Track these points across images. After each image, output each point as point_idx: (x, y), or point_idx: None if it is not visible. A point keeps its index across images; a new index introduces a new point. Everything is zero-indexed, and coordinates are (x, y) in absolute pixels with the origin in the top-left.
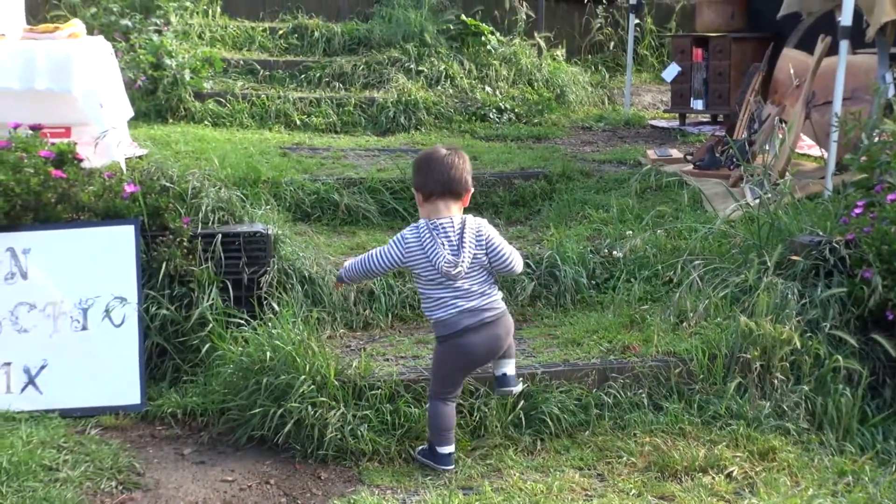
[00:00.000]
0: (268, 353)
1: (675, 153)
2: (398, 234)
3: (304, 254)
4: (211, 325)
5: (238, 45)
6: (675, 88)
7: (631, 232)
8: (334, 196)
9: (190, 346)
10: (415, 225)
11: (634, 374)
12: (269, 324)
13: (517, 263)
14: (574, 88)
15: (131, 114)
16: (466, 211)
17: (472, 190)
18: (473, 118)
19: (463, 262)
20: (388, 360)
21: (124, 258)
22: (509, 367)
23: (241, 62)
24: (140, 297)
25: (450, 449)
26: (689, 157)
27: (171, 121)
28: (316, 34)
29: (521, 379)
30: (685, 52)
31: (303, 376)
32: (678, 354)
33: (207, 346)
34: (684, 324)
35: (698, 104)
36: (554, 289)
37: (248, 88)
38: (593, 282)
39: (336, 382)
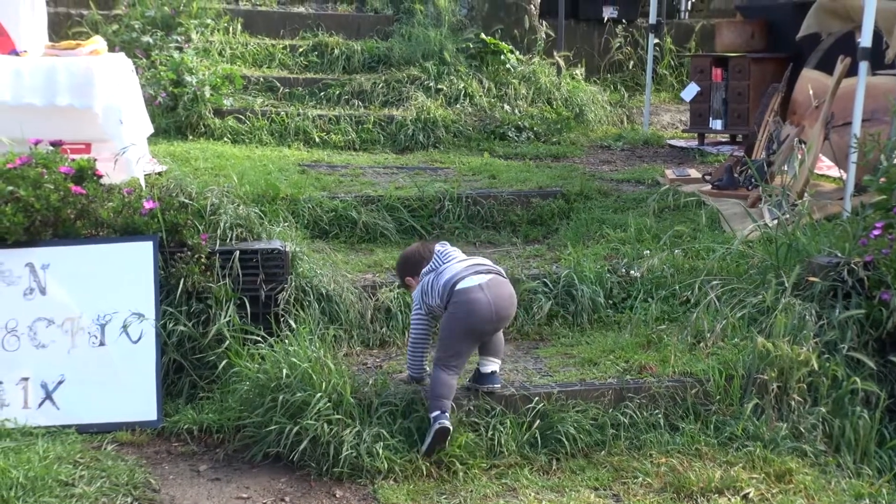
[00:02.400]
0: (284, 371)
1: (693, 173)
2: (414, 306)
3: (321, 271)
4: (228, 342)
5: (258, 63)
6: (694, 108)
7: (648, 251)
8: (352, 213)
9: (207, 363)
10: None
11: (651, 394)
12: (286, 341)
13: None
14: (593, 107)
15: (151, 130)
16: (485, 229)
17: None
18: (492, 136)
19: (447, 245)
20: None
21: (142, 274)
22: (497, 367)
23: (261, 79)
24: (157, 314)
25: (440, 412)
26: (707, 177)
27: (190, 137)
28: (336, 52)
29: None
30: (704, 72)
31: (319, 394)
32: (695, 375)
33: (224, 362)
34: (701, 344)
35: (717, 124)
36: (571, 308)
37: (267, 105)
38: (610, 301)
39: (352, 400)
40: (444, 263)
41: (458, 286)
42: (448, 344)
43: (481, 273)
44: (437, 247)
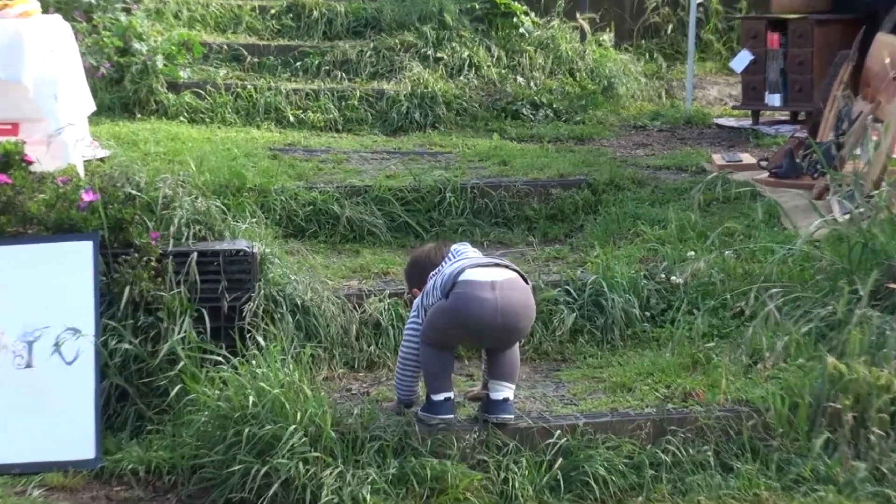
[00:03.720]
0: (251, 398)
1: (746, 158)
2: (412, 315)
3: (296, 277)
4: (182, 363)
5: (221, 27)
6: (746, 80)
7: (693, 253)
8: (334, 207)
9: (156, 389)
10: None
11: (698, 426)
12: (253, 362)
13: None
14: (624, 80)
15: (93, 108)
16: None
17: None
18: (503, 115)
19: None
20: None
21: (80, 281)
22: (511, 394)
23: (225, 47)
24: (97, 329)
25: (445, 394)
26: (763, 164)
27: (139, 116)
28: (315, 14)
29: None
30: (758, 38)
31: (293, 426)
32: (751, 403)
33: (178, 388)
34: (759, 365)
35: (774, 99)
36: (599, 321)
37: (232, 78)
38: (647, 313)
39: (333, 434)
40: (455, 260)
41: (464, 276)
42: (435, 329)
43: (500, 267)
44: (456, 246)
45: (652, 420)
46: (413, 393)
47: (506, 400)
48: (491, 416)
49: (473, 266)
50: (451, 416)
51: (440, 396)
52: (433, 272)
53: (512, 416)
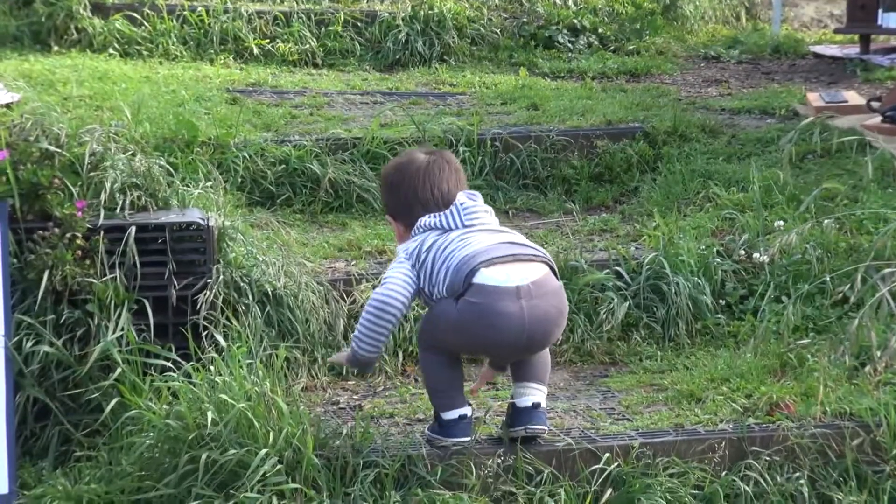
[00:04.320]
0: (209, 415)
1: (852, 98)
2: (398, 260)
3: (265, 258)
4: (119, 370)
5: None
6: None
7: (782, 222)
8: (313, 167)
9: (86, 403)
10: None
11: (787, 447)
12: (212, 367)
13: None
14: None
15: None
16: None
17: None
18: (532, 44)
19: (478, 198)
20: (396, 423)
21: None
22: (542, 397)
23: None
24: (8, 327)
25: (459, 411)
26: (874, 105)
27: (56, 48)
28: None
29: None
30: None
31: (264, 450)
32: (857, 417)
33: (114, 402)
34: (867, 368)
35: (891, 19)
36: (659, 312)
37: None
38: (722, 301)
39: (316, 460)
40: (463, 229)
41: (479, 279)
42: (439, 339)
43: (522, 262)
44: (462, 197)
45: (728, 439)
46: (377, 351)
47: (536, 406)
48: (518, 429)
49: (490, 261)
50: (468, 438)
51: (452, 414)
52: (430, 222)
53: (545, 428)
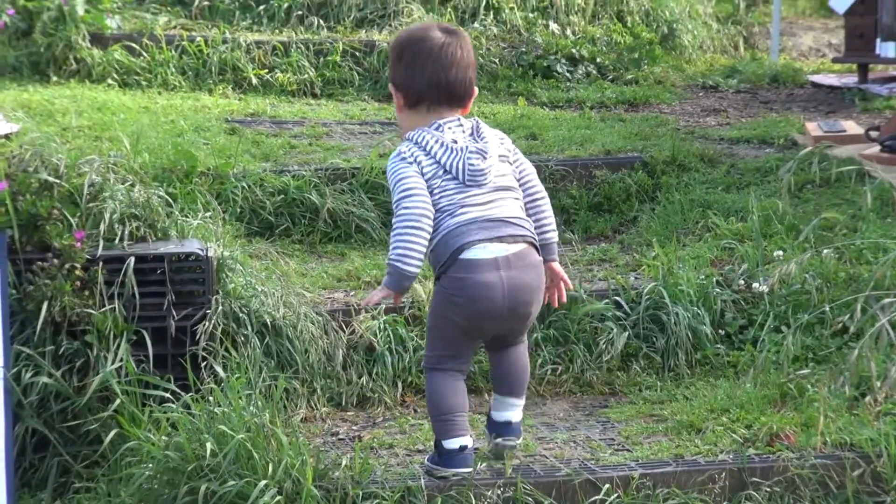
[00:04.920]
0: (208, 446)
1: (850, 127)
2: (392, 156)
3: (264, 288)
4: (118, 401)
5: None
6: (850, 24)
7: (781, 252)
8: (312, 197)
9: (85, 435)
10: (406, 138)
11: (788, 478)
12: (211, 398)
13: (549, 203)
14: (690, 25)
15: None
16: None
17: (477, 92)
18: (531, 73)
19: (488, 152)
20: (396, 454)
21: None
22: (516, 414)
23: None
24: (7, 358)
25: (460, 441)
26: (873, 134)
27: (55, 79)
28: None
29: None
30: None
31: (263, 481)
32: (858, 447)
33: (113, 433)
34: (868, 399)
35: (888, 49)
36: (658, 343)
37: (175, 28)
38: (721, 331)
39: (316, 491)
40: (462, 187)
41: (466, 254)
42: (439, 341)
43: (504, 241)
44: (468, 123)
45: (728, 470)
46: (418, 263)
47: (508, 423)
48: (494, 443)
49: (475, 242)
50: (469, 469)
51: (453, 443)
52: (430, 145)
53: (517, 440)
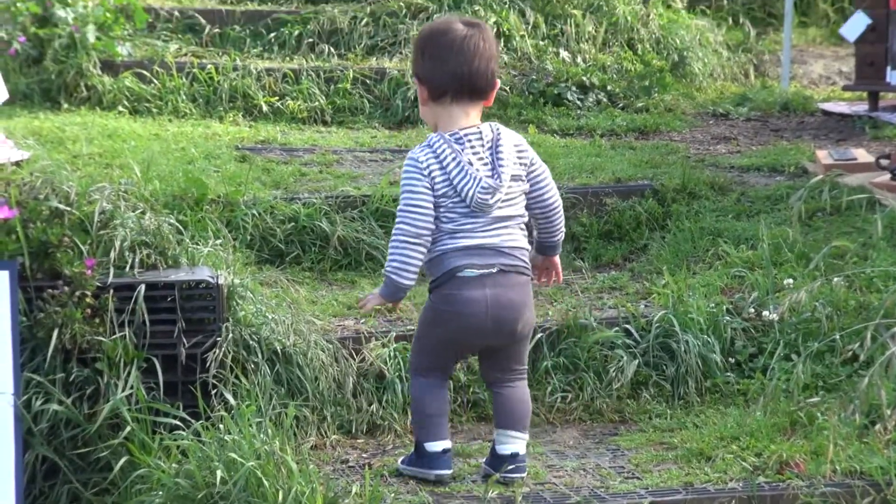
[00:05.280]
0: (218, 473)
1: (861, 155)
2: (408, 158)
3: (274, 316)
4: (128, 429)
5: None
6: (861, 52)
7: (791, 280)
8: (322, 224)
9: (95, 462)
10: (426, 144)
11: None
12: (221, 426)
13: (561, 205)
14: (700, 53)
15: (5, 95)
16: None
17: (499, 83)
18: (541, 101)
19: (502, 185)
20: (405, 482)
21: None
22: (521, 446)
23: (177, 13)
24: (17, 385)
25: (442, 444)
26: (883, 163)
27: (66, 106)
28: None
29: None
30: None
31: None
32: (868, 475)
33: (123, 460)
34: (877, 427)
35: None
36: (669, 371)
37: (186, 55)
38: (731, 359)
39: None
40: (468, 211)
41: (459, 273)
42: (425, 351)
43: (494, 267)
44: (487, 129)
45: (738, 498)
46: (413, 276)
47: (514, 455)
48: (496, 474)
49: (468, 265)
50: (450, 471)
51: (436, 446)
52: (442, 144)
53: (523, 475)
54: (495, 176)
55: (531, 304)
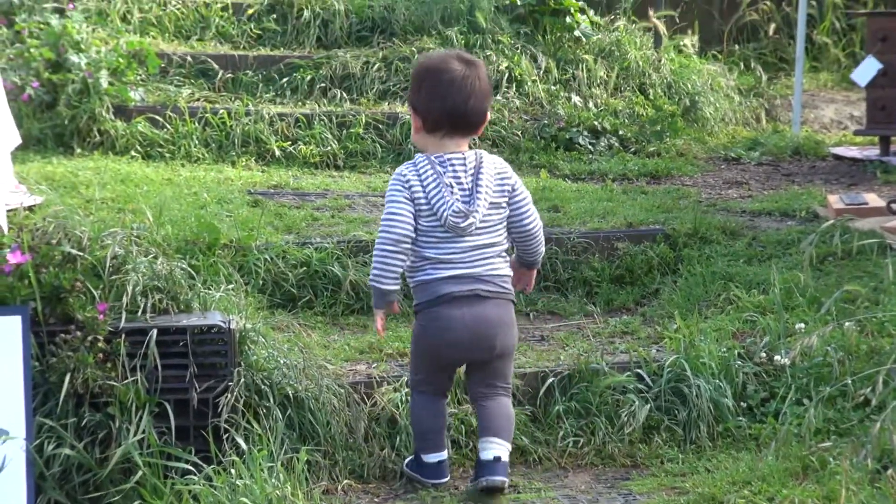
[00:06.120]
0: None
1: (872, 200)
2: (394, 173)
3: (286, 360)
4: (140, 473)
5: (184, 33)
6: (872, 97)
7: (803, 325)
8: (334, 269)
9: None
10: (412, 162)
11: None
12: (233, 471)
13: (540, 228)
14: (712, 98)
15: (18, 141)
16: (543, 290)
17: (489, 118)
18: (553, 145)
19: (477, 211)
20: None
21: (5, 367)
22: (503, 452)
23: (189, 59)
24: (30, 429)
25: (438, 456)
26: (894, 207)
27: (79, 151)
28: (305, 15)
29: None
30: (889, 40)
31: None
32: None
33: None
34: (889, 472)
35: None
36: (680, 415)
37: (199, 100)
38: (743, 404)
39: None
40: (449, 235)
41: (446, 291)
42: (418, 367)
43: (469, 287)
44: (471, 155)
45: None
46: (395, 281)
47: (497, 460)
48: (479, 481)
49: (454, 289)
50: (447, 479)
51: (433, 458)
52: (428, 167)
53: (504, 480)
54: (471, 202)
55: (511, 324)
